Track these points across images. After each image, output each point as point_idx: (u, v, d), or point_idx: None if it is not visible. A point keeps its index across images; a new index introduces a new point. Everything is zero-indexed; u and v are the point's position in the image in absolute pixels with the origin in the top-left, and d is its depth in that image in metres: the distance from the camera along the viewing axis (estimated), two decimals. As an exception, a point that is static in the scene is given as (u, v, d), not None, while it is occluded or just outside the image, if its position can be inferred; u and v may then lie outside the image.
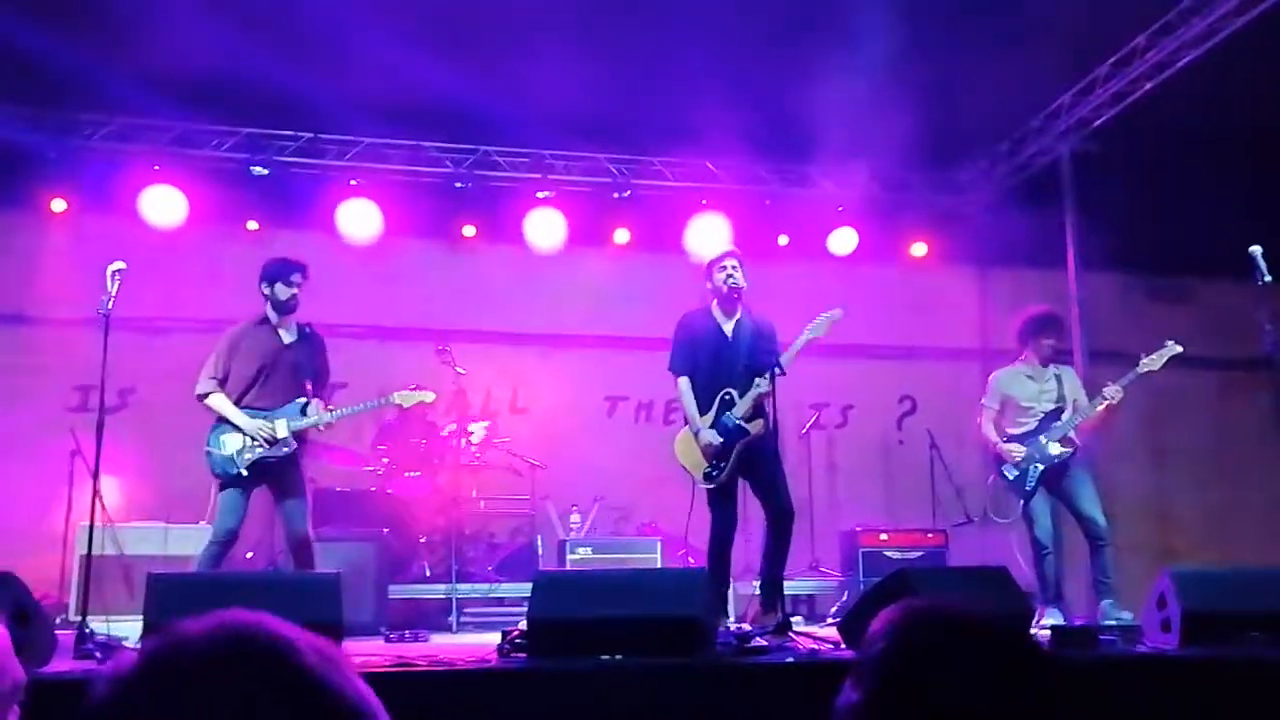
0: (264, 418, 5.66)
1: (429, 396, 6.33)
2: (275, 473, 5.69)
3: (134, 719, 0.87)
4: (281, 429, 5.64)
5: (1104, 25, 7.28)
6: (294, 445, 5.67)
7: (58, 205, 8.21)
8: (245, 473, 5.59)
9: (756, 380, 5.57)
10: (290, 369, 5.80)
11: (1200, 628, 4.46)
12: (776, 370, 5.49)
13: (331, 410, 5.89)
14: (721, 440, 5.63)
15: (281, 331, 5.86)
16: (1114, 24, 7.31)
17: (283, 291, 5.79)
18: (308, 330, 5.98)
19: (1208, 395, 9.58)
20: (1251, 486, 8.45)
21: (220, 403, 5.69)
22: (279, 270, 5.83)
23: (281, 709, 0.87)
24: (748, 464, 5.68)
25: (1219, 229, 6.84)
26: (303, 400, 5.76)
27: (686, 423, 5.83)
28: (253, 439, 5.61)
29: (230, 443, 5.63)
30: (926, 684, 1.06)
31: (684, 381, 5.82)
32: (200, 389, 5.75)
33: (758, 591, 5.76)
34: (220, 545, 5.53)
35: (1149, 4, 7.16)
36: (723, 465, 5.63)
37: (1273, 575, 5.13)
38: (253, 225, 8.57)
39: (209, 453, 5.67)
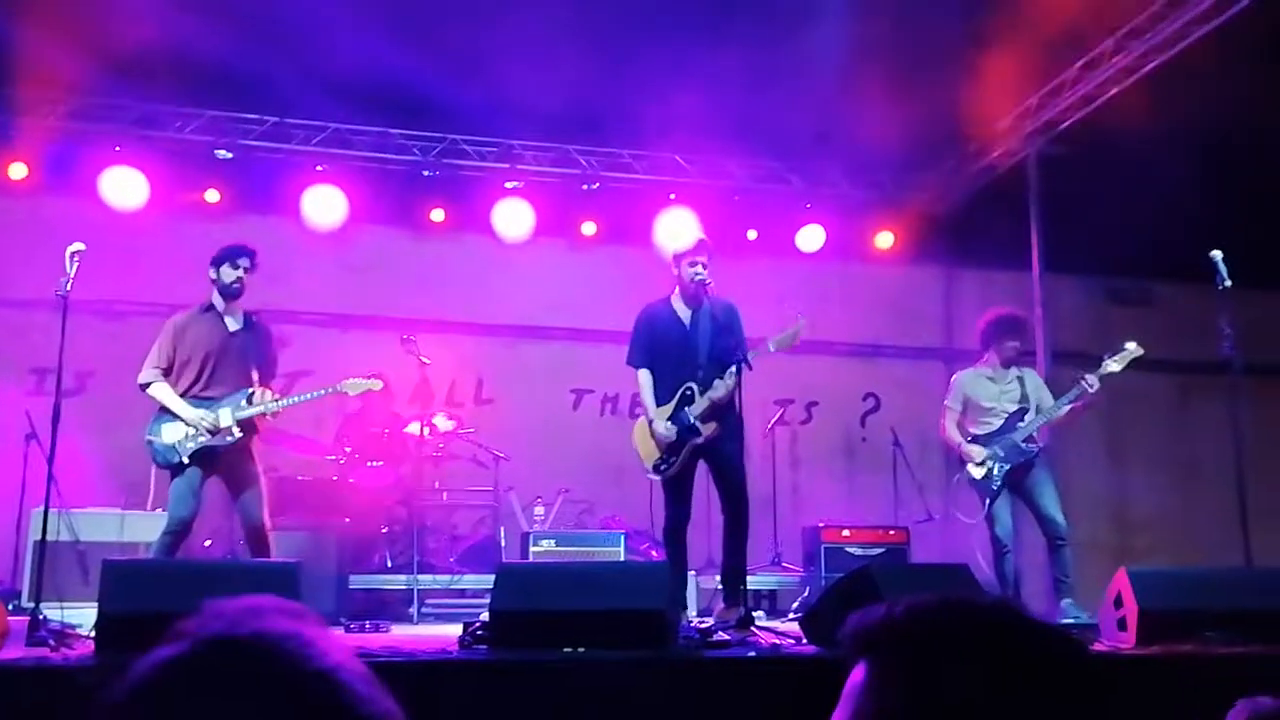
0: (209, 407, 5.57)
1: (376, 385, 6.24)
2: (225, 463, 5.60)
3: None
4: (225, 418, 5.55)
5: (1073, 28, 7.32)
6: (238, 434, 5.57)
7: (17, 170, 8.05)
8: (186, 460, 5.49)
9: (722, 376, 5.55)
10: (237, 357, 5.70)
11: (1156, 626, 4.49)
12: (744, 365, 5.49)
13: (277, 399, 5.79)
14: (675, 434, 5.63)
15: (227, 319, 5.76)
16: (1083, 27, 7.36)
17: (228, 274, 5.69)
18: (254, 319, 5.89)
19: (1166, 397, 9.71)
20: (1207, 488, 8.56)
21: (162, 392, 5.59)
22: (225, 253, 5.73)
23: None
24: (707, 457, 5.69)
25: (1181, 233, 6.92)
26: (249, 389, 5.67)
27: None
28: (195, 429, 5.52)
29: (171, 432, 5.54)
30: (972, 685, 1.00)
31: (643, 374, 5.82)
32: (142, 378, 5.64)
33: (721, 585, 5.76)
34: (172, 535, 5.44)
35: (1118, 8, 7.21)
36: (672, 460, 5.65)
37: (1228, 575, 5.20)
38: (213, 195, 8.45)
39: (149, 441, 5.57)
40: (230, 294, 5.73)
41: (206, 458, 5.54)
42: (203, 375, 5.63)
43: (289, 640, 0.90)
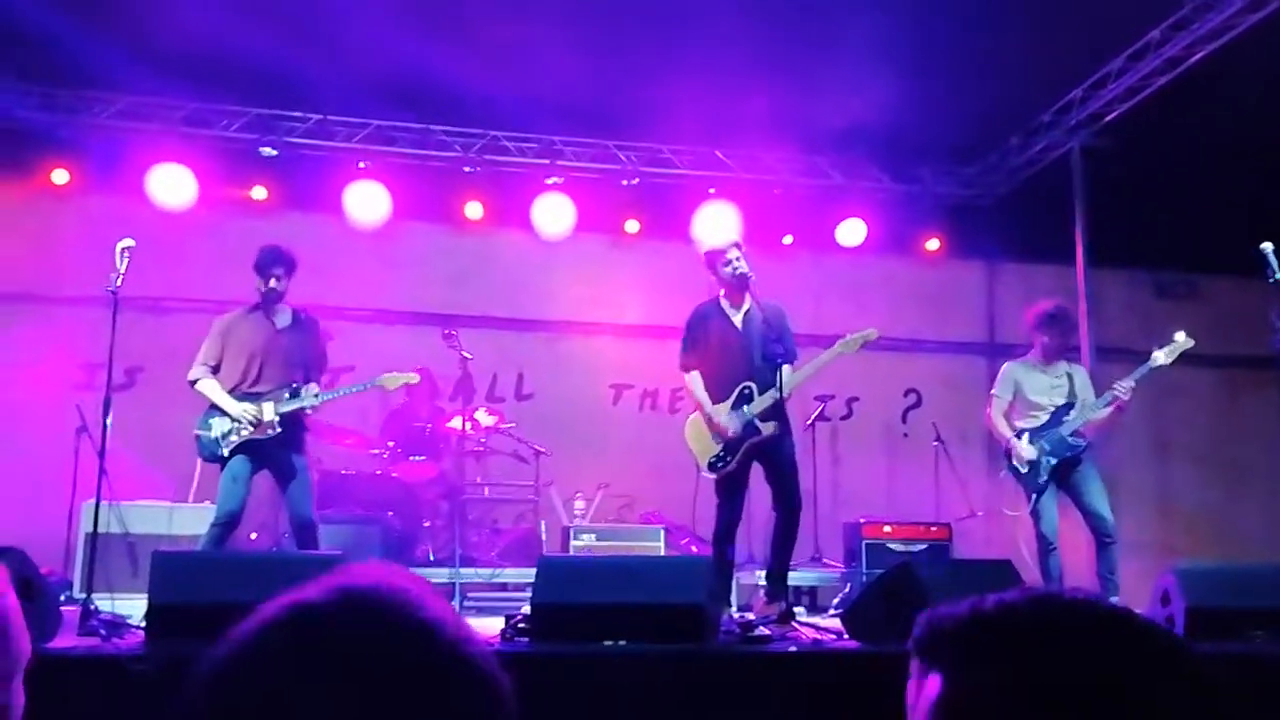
0: (255, 403, 5.69)
1: (413, 378, 6.27)
2: (271, 457, 5.73)
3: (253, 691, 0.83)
4: (268, 412, 5.66)
5: (1118, 19, 7.23)
6: (279, 428, 5.67)
7: (59, 176, 8.22)
8: (227, 454, 5.63)
9: (775, 377, 5.53)
10: (283, 355, 5.82)
11: (1203, 624, 4.44)
12: (788, 364, 5.52)
13: (318, 394, 5.87)
14: (737, 429, 5.56)
15: (275, 317, 5.88)
16: (1128, 18, 7.27)
17: (261, 285, 5.83)
18: (302, 315, 6.00)
19: (1213, 392, 9.57)
20: (1254, 484, 8.45)
21: (210, 388, 5.74)
22: (259, 263, 5.85)
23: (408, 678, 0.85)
24: (763, 456, 5.61)
25: (1228, 226, 6.83)
26: (295, 384, 5.78)
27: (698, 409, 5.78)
28: (238, 422, 5.64)
29: (217, 426, 5.68)
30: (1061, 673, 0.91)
31: (692, 376, 5.74)
32: (192, 374, 5.81)
33: (762, 581, 5.74)
34: (221, 528, 5.56)
35: (1164, -1, 7.13)
36: (729, 458, 5.55)
37: (1276, 572, 5.13)
38: (260, 192, 8.56)
39: (198, 436, 5.73)
40: (267, 300, 5.85)
41: (252, 451, 5.66)
42: (250, 372, 5.76)
43: (430, 605, 0.90)
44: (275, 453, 5.71)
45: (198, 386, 5.78)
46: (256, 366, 5.76)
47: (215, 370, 5.79)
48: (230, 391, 5.73)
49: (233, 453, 5.64)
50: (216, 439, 5.66)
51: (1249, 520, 8.47)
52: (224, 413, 5.69)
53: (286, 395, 5.74)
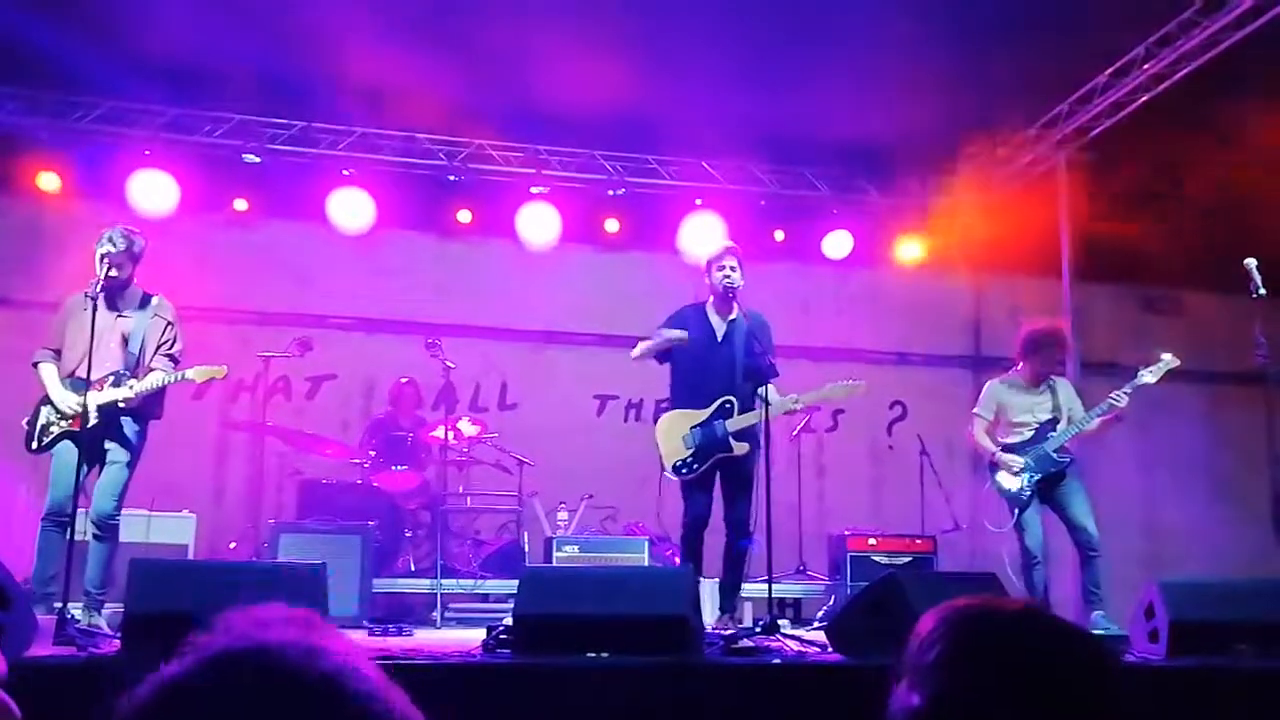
0: (81, 391, 5.37)
1: (220, 372, 5.81)
2: (90, 447, 5.40)
3: None
4: (91, 402, 5.36)
5: (1104, 34, 7.28)
6: (94, 420, 5.34)
7: (49, 182, 8.16)
8: (36, 447, 5.45)
9: (755, 394, 5.54)
10: (121, 341, 5.53)
11: (1188, 638, 4.43)
12: (772, 380, 5.53)
13: (133, 385, 5.50)
14: (698, 441, 5.63)
15: (119, 303, 5.56)
16: (1114, 33, 7.31)
17: (102, 272, 5.35)
18: (151, 299, 5.70)
19: (1198, 407, 9.60)
20: (1240, 499, 8.46)
21: (45, 373, 5.51)
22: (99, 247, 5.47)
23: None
24: (726, 471, 5.69)
25: (1214, 241, 6.85)
26: (123, 374, 5.49)
27: (673, 409, 5.83)
28: (59, 413, 5.43)
29: (44, 415, 5.46)
30: (995, 689, 0.98)
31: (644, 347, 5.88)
32: (34, 357, 5.58)
33: (718, 593, 5.79)
34: (49, 520, 5.33)
35: (1149, 14, 7.16)
36: (696, 466, 5.62)
37: (1260, 586, 5.12)
38: (241, 204, 8.51)
39: (25, 424, 5.51)
40: (111, 287, 5.45)
41: (74, 440, 5.41)
42: (85, 358, 5.37)
43: (291, 649, 0.88)
44: (93, 442, 5.41)
45: (38, 370, 5.53)
46: (93, 352, 5.28)
47: (59, 354, 5.54)
48: (67, 378, 5.49)
49: (54, 441, 5.42)
50: (34, 431, 5.45)
51: (1235, 534, 8.48)
52: (49, 401, 5.47)
53: (110, 384, 5.44)
